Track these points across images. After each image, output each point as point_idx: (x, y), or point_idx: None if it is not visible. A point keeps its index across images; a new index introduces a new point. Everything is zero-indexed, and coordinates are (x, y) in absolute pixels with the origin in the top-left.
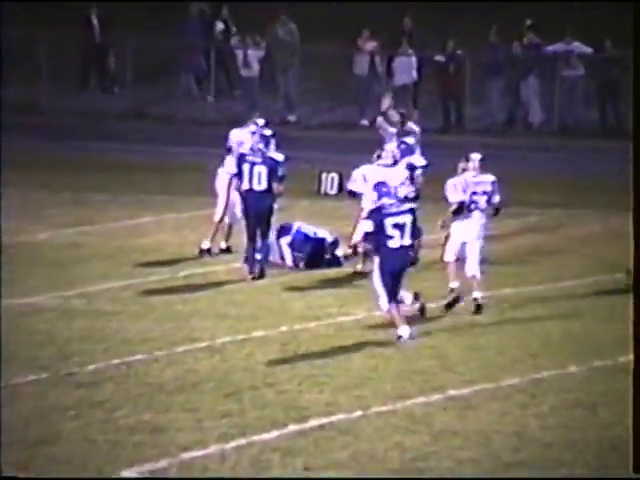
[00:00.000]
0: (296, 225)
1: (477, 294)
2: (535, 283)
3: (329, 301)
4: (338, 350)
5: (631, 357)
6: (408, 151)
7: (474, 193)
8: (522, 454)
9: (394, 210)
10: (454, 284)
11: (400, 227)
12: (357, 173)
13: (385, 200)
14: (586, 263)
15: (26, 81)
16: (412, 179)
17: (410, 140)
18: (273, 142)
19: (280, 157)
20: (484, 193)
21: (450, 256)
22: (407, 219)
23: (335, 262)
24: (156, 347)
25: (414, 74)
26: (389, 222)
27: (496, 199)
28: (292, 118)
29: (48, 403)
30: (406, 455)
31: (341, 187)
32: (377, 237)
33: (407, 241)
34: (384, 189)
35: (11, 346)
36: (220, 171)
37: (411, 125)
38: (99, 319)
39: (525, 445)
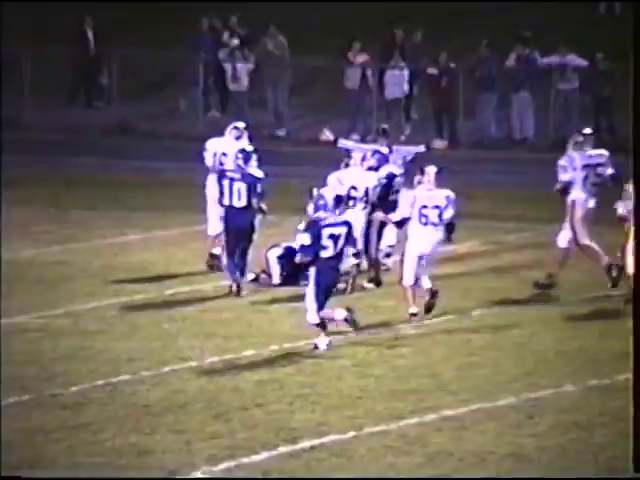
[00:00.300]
0: (287, 243)
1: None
2: (530, 299)
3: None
4: (329, 369)
5: (628, 375)
6: (383, 160)
7: (424, 207)
8: (518, 476)
9: (331, 221)
10: (414, 309)
11: (335, 238)
12: (332, 178)
13: (321, 214)
14: (582, 279)
15: (9, 97)
16: (391, 187)
17: (384, 150)
18: (254, 158)
19: (260, 174)
20: (435, 207)
21: (409, 279)
22: (342, 230)
23: None
24: (143, 367)
25: (406, 87)
26: (325, 232)
27: (447, 214)
28: (281, 133)
29: (31, 425)
30: (400, 477)
31: None
32: (314, 248)
33: (341, 251)
34: (321, 202)
35: None
36: (209, 183)
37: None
38: (84, 339)
39: (521, 466)
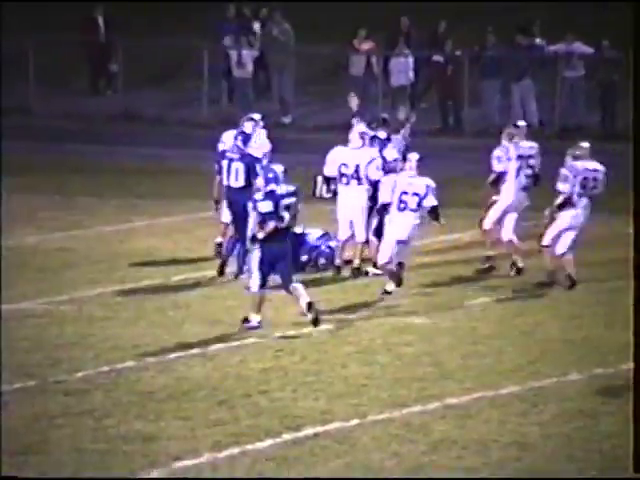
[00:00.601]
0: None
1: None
2: (535, 288)
3: (323, 307)
4: (333, 357)
5: (632, 365)
6: (382, 146)
7: (404, 193)
8: (522, 464)
9: (284, 191)
10: (390, 287)
11: (288, 208)
12: (329, 157)
13: (273, 186)
14: (589, 267)
15: (14, 83)
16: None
17: (382, 134)
18: (255, 139)
19: (259, 154)
20: (415, 194)
21: (384, 257)
22: (292, 200)
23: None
24: (147, 354)
25: (411, 75)
26: (283, 203)
27: (428, 202)
28: (287, 120)
29: (35, 411)
30: (403, 465)
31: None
32: (275, 215)
33: (291, 222)
34: (270, 174)
35: None
36: None
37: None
38: (89, 325)
39: (525, 455)
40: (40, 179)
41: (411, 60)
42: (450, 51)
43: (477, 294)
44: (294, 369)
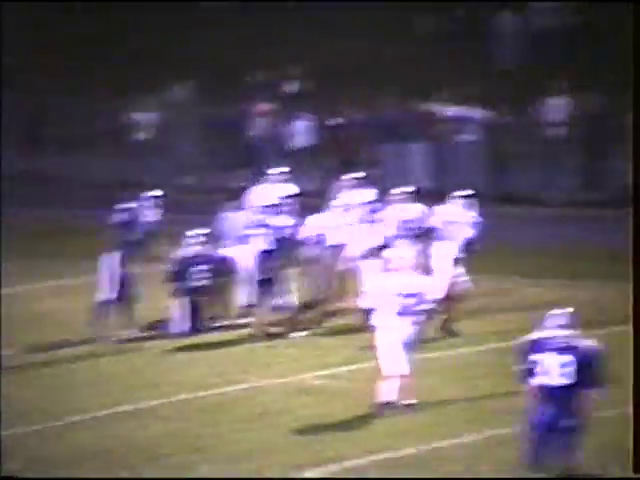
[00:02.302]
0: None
1: None
2: (427, 349)
3: (231, 368)
4: (231, 420)
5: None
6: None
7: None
8: None
9: None
10: None
11: None
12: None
13: None
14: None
15: None
16: None
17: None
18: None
19: None
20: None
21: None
22: None
23: None
24: (38, 420)
25: (310, 137)
26: None
27: None
28: (188, 181)
29: None
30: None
31: None
32: None
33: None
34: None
35: None
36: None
37: None
38: None
39: None
40: None
41: (310, 123)
42: (346, 114)
43: (369, 355)
44: (187, 435)
